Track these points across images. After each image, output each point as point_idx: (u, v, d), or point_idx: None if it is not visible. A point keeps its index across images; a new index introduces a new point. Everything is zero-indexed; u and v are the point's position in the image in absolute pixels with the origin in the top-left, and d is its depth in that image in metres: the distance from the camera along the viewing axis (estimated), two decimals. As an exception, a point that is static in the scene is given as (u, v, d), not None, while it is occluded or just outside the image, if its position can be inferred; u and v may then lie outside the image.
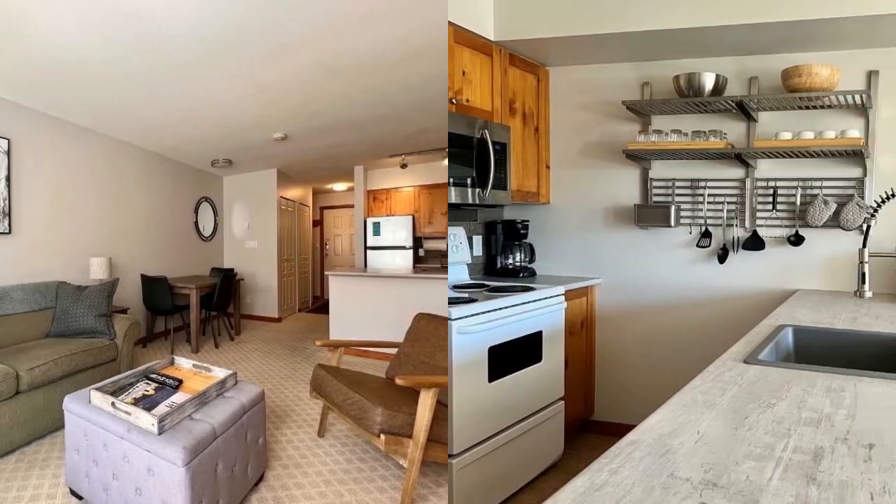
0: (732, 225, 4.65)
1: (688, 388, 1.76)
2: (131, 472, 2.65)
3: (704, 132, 4.40)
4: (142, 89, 5.09)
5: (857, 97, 4.03)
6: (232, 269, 8.06)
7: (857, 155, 4.17)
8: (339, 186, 12.55)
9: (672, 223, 4.65)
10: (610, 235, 5.06)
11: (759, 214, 4.58)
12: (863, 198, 4.25)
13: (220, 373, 3.42)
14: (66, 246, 6.08)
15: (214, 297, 7.43)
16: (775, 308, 3.58)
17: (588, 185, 5.10)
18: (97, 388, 2.99)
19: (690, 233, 4.79)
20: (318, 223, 13.63)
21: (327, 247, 13.83)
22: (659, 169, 4.88)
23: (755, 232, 4.57)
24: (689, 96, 4.38)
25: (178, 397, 3.04)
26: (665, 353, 4.93)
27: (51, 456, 3.80)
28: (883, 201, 2.27)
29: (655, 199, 4.88)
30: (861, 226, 4.23)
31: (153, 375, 3.31)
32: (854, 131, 4.03)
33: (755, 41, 4.19)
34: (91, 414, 2.89)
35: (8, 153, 5.22)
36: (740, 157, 4.40)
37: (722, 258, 4.65)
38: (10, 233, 5.27)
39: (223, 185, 10.31)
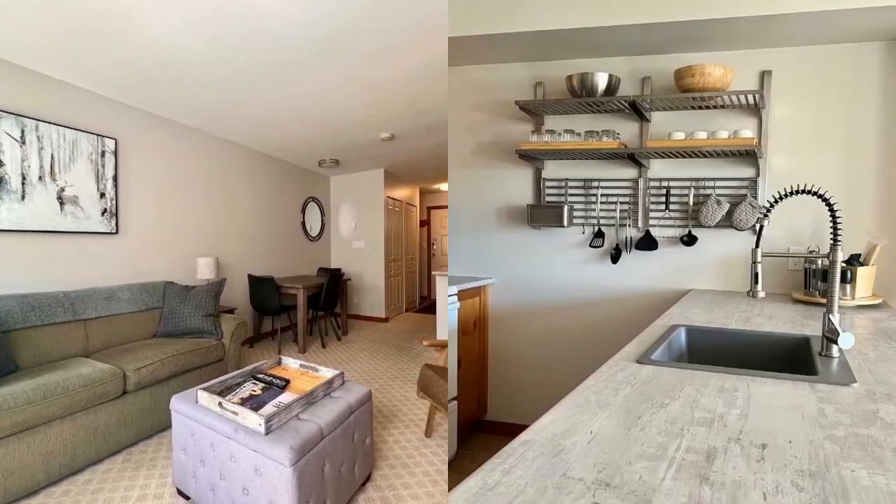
0: (625, 225, 4.67)
1: (581, 388, 1.75)
2: (238, 472, 2.70)
3: (597, 132, 4.39)
4: (248, 89, 5.09)
5: (750, 97, 4.11)
6: (339, 269, 8.11)
7: (750, 155, 4.25)
8: (446, 186, 12.52)
9: (565, 223, 4.64)
10: (503, 235, 5.01)
11: (652, 214, 4.62)
12: (756, 198, 4.33)
13: (327, 373, 3.53)
14: (172, 246, 6.10)
15: (321, 297, 7.53)
16: (668, 308, 3.61)
17: (481, 186, 5.04)
18: (204, 388, 3.07)
19: (583, 233, 4.80)
20: (425, 223, 13.73)
21: (434, 247, 13.91)
22: (552, 169, 4.86)
23: (648, 232, 4.60)
24: (582, 96, 4.37)
25: (286, 397, 3.11)
26: (558, 354, 4.92)
27: (157, 456, 3.85)
28: (776, 201, 2.26)
29: (548, 199, 4.86)
30: (754, 226, 4.31)
31: (260, 375, 3.40)
32: (747, 131, 4.09)
33: (648, 41, 4.22)
34: (198, 414, 2.93)
35: (115, 153, 5.25)
36: (633, 157, 4.42)
37: (615, 258, 4.67)
38: (117, 233, 5.30)
39: (330, 185, 10.47)
